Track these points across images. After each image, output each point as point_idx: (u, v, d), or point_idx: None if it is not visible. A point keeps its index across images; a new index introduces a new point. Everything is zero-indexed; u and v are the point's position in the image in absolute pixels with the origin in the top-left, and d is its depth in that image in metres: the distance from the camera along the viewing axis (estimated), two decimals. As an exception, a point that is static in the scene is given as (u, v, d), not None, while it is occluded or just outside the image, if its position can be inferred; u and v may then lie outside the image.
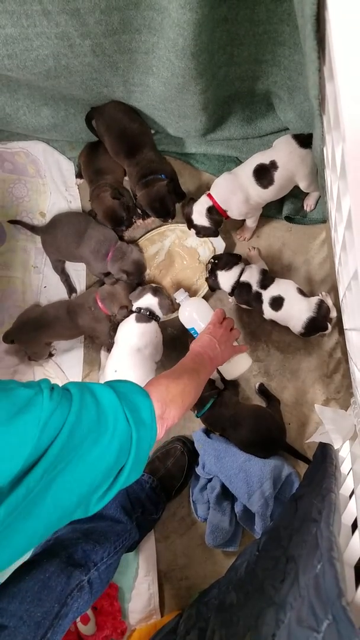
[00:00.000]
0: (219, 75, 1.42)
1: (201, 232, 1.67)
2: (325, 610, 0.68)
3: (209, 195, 1.61)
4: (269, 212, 1.71)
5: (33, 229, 1.84)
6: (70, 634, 1.58)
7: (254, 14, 1.22)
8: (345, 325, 1.33)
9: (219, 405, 1.63)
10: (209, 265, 1.67)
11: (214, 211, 1.62)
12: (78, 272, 1.86)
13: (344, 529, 0.96)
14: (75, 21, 1.19)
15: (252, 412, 1.62)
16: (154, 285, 1.72)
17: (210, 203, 1.61)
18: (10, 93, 1.60)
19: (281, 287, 1.56)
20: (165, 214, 1.68)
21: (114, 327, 1.74)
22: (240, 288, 1.61)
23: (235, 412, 1.61)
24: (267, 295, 1.56)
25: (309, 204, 1.67)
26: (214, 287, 1.68)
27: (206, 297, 1.75)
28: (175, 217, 1.72)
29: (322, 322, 1.52)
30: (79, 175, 1.86)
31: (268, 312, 1.58)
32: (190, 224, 1.67)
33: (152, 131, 1.76)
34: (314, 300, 1.52)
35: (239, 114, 1.64)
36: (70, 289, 1.88)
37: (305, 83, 1.35)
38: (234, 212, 1.62)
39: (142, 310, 1.65)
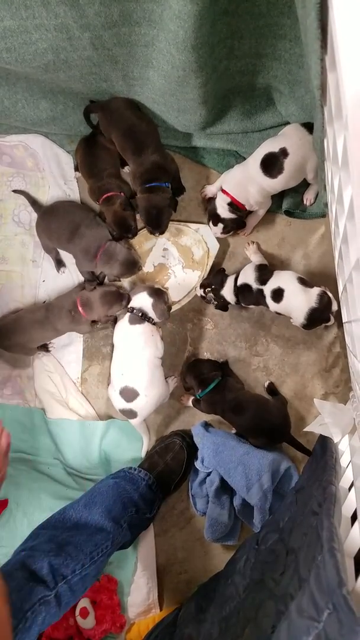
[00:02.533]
0: (219, 69, 1.42)
1: (229, 225, 1.67)
2: (325, 600, 0.68)
3: (224, 192, 1.61)
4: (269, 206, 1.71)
5: (34, 203, 1.84)
6: (69, 628, 1.58)
7: (255, 6, 1.22)
8: (345, 318, 1.33)
9: (222, 387, 1.64)
10: (210, 294, 1.67)
11: (234, 206, 1.62)
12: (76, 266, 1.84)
13: (343, 520, 0.96)
14: (75, 12, 1.18)
15: (255, 399, 1.63)
16: (155, 286, 1.70)
17: (228, 199, 1.61)
18: (8, 86, 1.59)
19: (281, 278, 1.56)
20: (157, 226, 1.66)
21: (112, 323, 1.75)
22: (242, 292, 1.61)
23: (237, 396, 1.62)
24: (267, 289, 1.56)
25: (308, 198, 1.67)
26: (225, 306, 1.68)
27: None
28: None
29: (324, 313, 1.52)
30: (77, 168, 1.86)
31: (272, 306, 1.57)
32: (218, 220, 1.66)
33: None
34: (316, 291, 1.52)
35: (239, 107, 1.63)
36: (59, 262, 1.87)
37: (306, 76, 1.35)
38: (251, 202, 1.62)
39: (134, 311, 1.63)
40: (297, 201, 1.69)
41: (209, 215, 1.69)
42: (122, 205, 1.68)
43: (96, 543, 1.37)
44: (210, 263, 1.75)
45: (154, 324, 1.65)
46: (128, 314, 1.64)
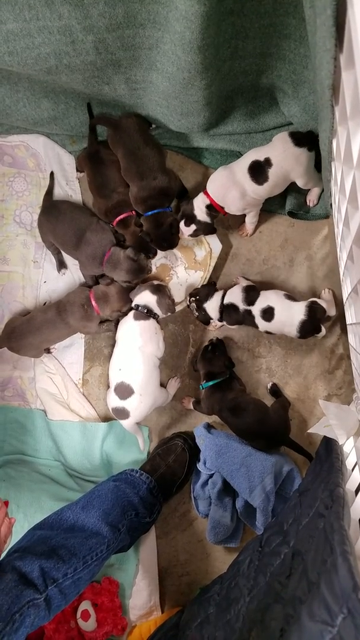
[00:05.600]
0: (223, 70, 1.41)
1: (201, 229, 1.66)
2: (339, 604, 0.67)
3: (206, 193, 1.61)
4: (272, 207, 1.71)
5: (49, 193, 1.84)
6: (71, 631, 1.57)
7: (260, 6, 1.21)
8: (351, 319, 1.32)
9: (225, 385, 1.64)
10: (193, 304, 1.68)
11: (212, 208, 1.62)
12: (78, 267, 1.83)
13: (352, 523, 0.95)
14: (79, 13, 1.17)
15: (254, 402, 1.62)
16: (155, 282, 1.71)
17: (207, 201, 1.61)
18: (10, 85, 1.58)
19: (269, 298, 1.58)
20: (170, 248, 1.72)
21: (114, 324, 1.75)
22: (227, 310, 1.62)
23: (236, 397, 1.61)
24: (256, 309, 1.58)
25: (311, 199, 1.67)
26: (205, 320, 1.69)
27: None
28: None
29: (316, 324, 1.53)
30: (79, 169, 1.84)
31: (262, 325, 1.59)
32: (192, 220, 1.65)
33: (153, 126, 1.74)
34: (304, 303, 1.54)
35: (242, 108, 1.63)
36: (61, 263, 1.86)
37: (311, 76, 1.35)
38: (231, 207, 1.62)
39: (139, 308, 1.64)
40: (300, 202, 1.68)
41: (184, 214, 1.67)
42: (138, 226, 1.68)
43: (91, 547, 1.36)
44: (213, 264, 1.75)
45: (158, 321, 1.66)
46: (133, 311, 1.65)
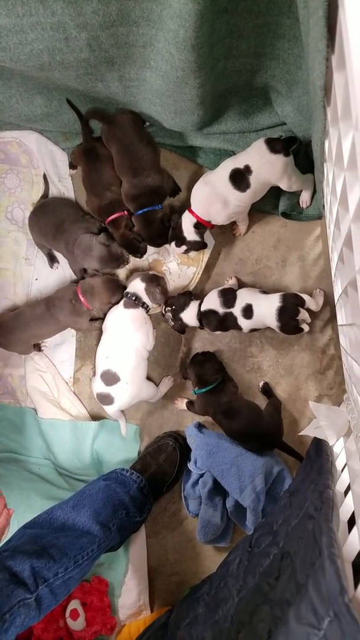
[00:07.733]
0: (217, 69, 1.40)
1: (191, 247, 1.66)
2: (326, 607, 0.67)
3: (191, 211, 1.61)
4: (265, 207, 1.70)
5: (46, 196, 1.84)
6: (59, 630, 1.57)
7: (254, 5, 1.21)
8: (342, 320, 1.32)
9: (219, 390, 1.64)
10: (169, 314, 1.68)
11: (200, 226, 1.62)
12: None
13: (341, 525, 0.95)
14: (72, 10, 1.16)
15: (248, 405, 1.63)
16: (150, 272, 1.71)
17: (194, 219, 1.61)
18: (2, 80, 1.57)
19: (244, 296, 1.59)
20: (165, 244, 1.71)
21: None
22: (206, 317, 1.62)
23: (230, 400, 1.62)
24: (237, 310, 1.58)
25: (304, 200, 1.66)
26: (182, 329, 1.71)
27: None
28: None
29: (293, 309, 1.53)
30: (72, 166, 1.84)
31: (245, 324, 1.59)
32: (183, 242, 1.65)
33: (147, 124, 1.73)
34: (280, 293, 1.55)
35: (236, 107, 1.62)
36: (51, 258, 1.85)
37: (305, 77, 1.35)
38: (217, 219, 1.62)
39: (129, 295, 1.65)
40: (293, 203, 1.68)
41: (173, 236, 1.67)
42: (127, 227, 1.68)
43: (82, 546, 1.35)
44: (206, 259, 1.75)
45: (148, 311, 1.67)
46: (124, 299, 1.66)
